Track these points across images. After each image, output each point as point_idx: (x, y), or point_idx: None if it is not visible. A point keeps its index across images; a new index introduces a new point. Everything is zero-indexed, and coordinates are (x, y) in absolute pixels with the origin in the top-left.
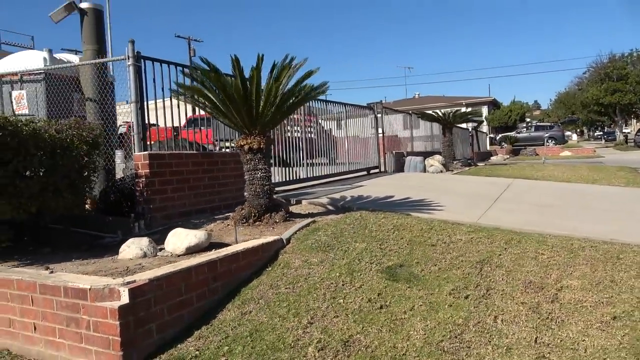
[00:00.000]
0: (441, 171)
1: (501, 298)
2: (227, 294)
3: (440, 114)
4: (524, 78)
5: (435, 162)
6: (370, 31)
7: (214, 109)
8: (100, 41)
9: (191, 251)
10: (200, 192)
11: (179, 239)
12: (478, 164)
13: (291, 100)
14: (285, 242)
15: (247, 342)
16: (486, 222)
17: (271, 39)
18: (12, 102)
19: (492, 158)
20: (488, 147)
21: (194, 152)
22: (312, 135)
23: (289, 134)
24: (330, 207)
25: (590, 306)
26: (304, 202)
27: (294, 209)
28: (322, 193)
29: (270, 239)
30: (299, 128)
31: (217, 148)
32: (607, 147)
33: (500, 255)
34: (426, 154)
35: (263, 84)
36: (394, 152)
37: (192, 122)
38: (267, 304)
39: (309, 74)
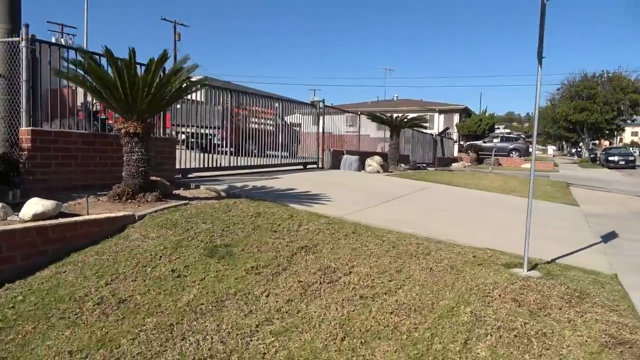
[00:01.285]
0: (377, 171)
1: (286, 277)
2: (57, 257)
3: (388, 117)
4: (514, 89)
5: (373, 162)
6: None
7: (97, 95)
8: (14, 21)
9: (37, 218)
10: (90, 170)
11: (30, 206)
12: (432, 168)
13: (167, 91)
14: (137, 218)
15: (42, 294)
16: (354, 217)
17: (263, 31)
18: None
19: (453, 165)
20: (455, 154)
21: (86, 132)
22: (271, 128)
23: (251, 125)
24: (222, 193)
25: (355, 287)
26: (202, 187)
27: (188, 192)
28: (235, 181)
29: (120, 214)
30: (257, 120)
31: (175, 132)
32: (574, 162)
33: (327, 243)
34: (372, 155)
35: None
36: (331, 149)
37: None
38: (82, 266)
39: (179, 70)
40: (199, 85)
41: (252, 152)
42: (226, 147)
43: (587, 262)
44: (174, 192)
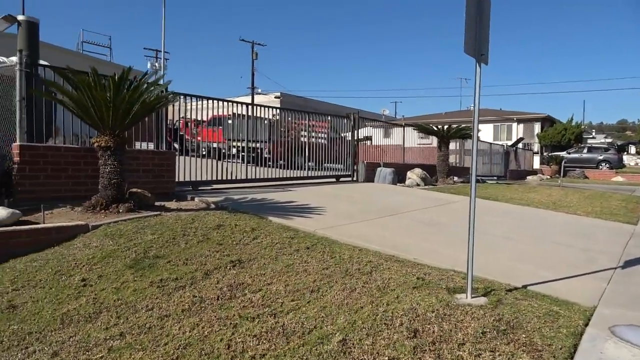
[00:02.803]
0: (417, 185)
1: (186, 292)
2: None
3: (435, 127)
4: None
5: (413, 175)
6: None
7: (73, 111)
8: (33, 48)
9: None
10: (82, 182)
11: None
12: (493, 182)
13: (135, 108)
14: (90, 228)
15: None
16: (327, 232)
17: (325, 42)
18: None
19: (528, 178)
20: (536, 166)
21: (76, 146)
22: (323, 141)
23: (304, 139)
24: (211, 205)
25: (249, 306)
26: (196, 199)
27: (176, 204)
28: (243, 193)
29: (71, 223)
30: (307, 134)
31: (227, 147)
32: None
33: (265, 258)
34: (418, 167)
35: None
36: (365, 162)
37: (213, 121)
38: (9, 271)
39: (148, 85)
40: (166, 100)
41: (297, 165)
42: (275, 160)
43: (572, 290)
44: (157, 203)
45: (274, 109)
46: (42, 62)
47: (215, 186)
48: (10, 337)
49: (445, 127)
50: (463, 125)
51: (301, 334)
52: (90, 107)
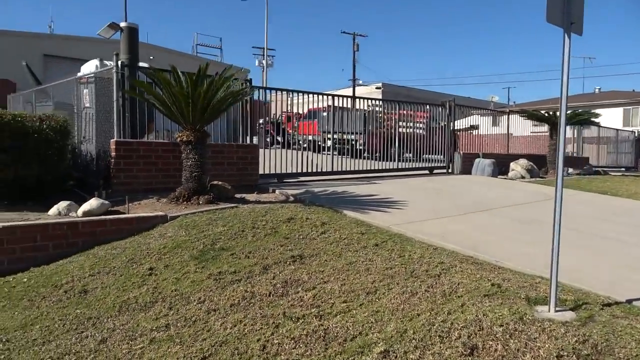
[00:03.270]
0: (522, 177)
1: (241, 285)
2: (85, 248)
3: (547, 113)
4: None
5: (517, 166)
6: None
7: (159, 108)
8: (133, 51)
9: (87, 215)
10: (170, 174)
11: (84, 205)
12: (619, 174)
13: (213, 102)
14: (169, 218)
15: (45, 277)
16: (403, 228)
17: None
18: (82, 98)
19: None
20: None
21: (165, 141)
22: (421, 132)
23: (400, 129)
24: (290, 198)
25: (298, 305)
26: (277, 191)
27: (256, 196)
28: (326, 186)
29: (152, 214)
30: (404, 124)
31: (321, 138)
32: None
33: (329, 254)
34: (524, 157)
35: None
36: (461, 152)
37: (309, 115)
38: (89, 258)
39: (224, 81)
40: (243, 94)
41: (391, 157)
42: (370, 152)
43: None
44: (238, 195)
45: (367, 100)
46: (142, 64)
47: (302, 179)
48: (72, 321)
49: (558, 112)
50: (580, 110)
51: (342, 341)
52: (172, 103)
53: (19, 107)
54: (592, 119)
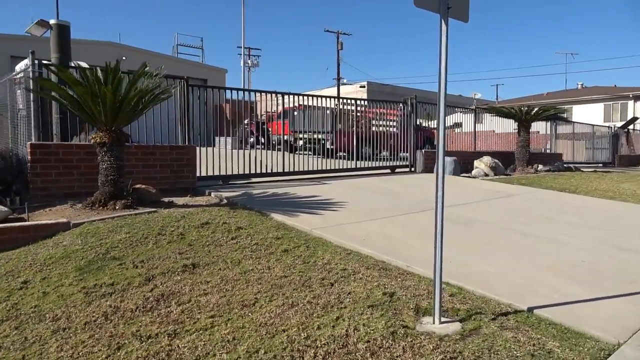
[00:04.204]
0: (485, 175)
1: (111, 298)
2: None
3: (513, 109)
4: None
5: (481, 164)
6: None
7: (70, 108)
8: (64, 50)
9: None
10: (94, 178)
11: None
12: (590, 170)
13: (127, 102)
14: (72, 225)
15: None
16: (325, 232)
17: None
18: (17, 99)
19: None
20: None
21: (87, 143)
22: (394, 130)
23: (373, 128)
24: (223, 200)
25: (154, 320)
26: (213, 194)
27: (186, 199)
28: (267, 187)
29: (51, 221)
30: (378, 122)
31: (293, 139)
32: None
33: (227, 261)
34: (490, 155)
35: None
36: (423, 150)
37: (283, 114)
38: None
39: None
40: (162, 93)
41: (362, 156)
42: (342, 151)
43: (599, 316)
44: (166, 199)
45: (333, 99)
46: (81, 63)
47: (256, 180)
48: None
49: (524, 108)
50: (547, 106)
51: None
52: (83, 103)
53: None
54: (560, 114)
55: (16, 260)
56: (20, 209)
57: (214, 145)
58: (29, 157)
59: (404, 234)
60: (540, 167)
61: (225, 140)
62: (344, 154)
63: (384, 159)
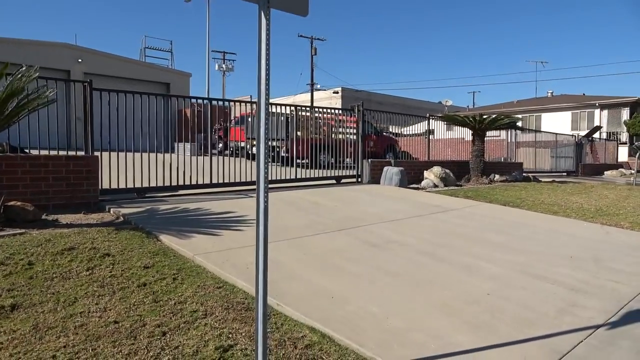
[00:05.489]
0: (434, 186)
1: None
2: None
3: (467, 118)
4: None
5: (431, 175)
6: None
7: None
8: None
9: None
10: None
11: None
12: (549, 180)
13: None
14: None
15: None
16: (212, 258)
17: (386, 34)
18: None
19: (605, 173)
20: (623, 159)
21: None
22: (351, 137)
23: (332, 136)
24: (120, 218)
25: None
26: (112, 210)
27: (78, 217)
28: (179, 202)
29: None
30: (336, 130)
31: (249, 146)
32: None
33: (50, 301)
34: (445, 164)
35: None
36: (369, 160)
37: (240, 121)
38: None
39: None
40: (37, 104)
41: (321, 164)
42: (297, 159)
43: None
44: (50, 217)
45: (284, 107)
46: None
47: (182, 192)
48: None
49: (477, 117)
50: (502, 115)
51: None
52: None
53: None
54: (514, 123)
55: None
56: None
57: (171, 152)
58: None
59: (297, 260)
60: (497, 177)
61: (184, 147)
62: (305, 161)
63: (347, 166)
